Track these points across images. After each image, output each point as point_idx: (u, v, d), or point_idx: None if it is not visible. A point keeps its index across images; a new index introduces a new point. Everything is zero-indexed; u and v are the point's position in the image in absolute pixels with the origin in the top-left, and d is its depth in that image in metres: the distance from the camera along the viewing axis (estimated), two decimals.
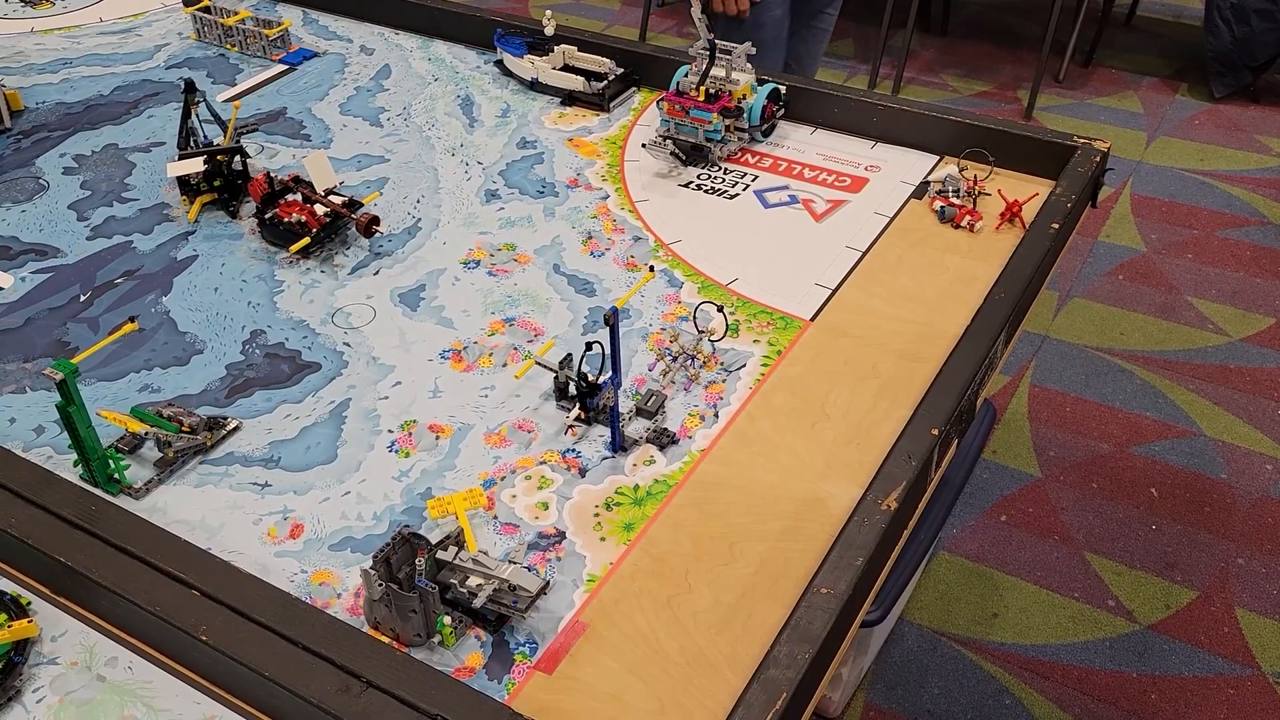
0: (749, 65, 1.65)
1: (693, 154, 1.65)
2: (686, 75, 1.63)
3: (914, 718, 1.87)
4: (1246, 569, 2.10)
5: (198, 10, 2.09)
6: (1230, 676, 1.91)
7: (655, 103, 1.70)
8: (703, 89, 1.60)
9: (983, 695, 1.90)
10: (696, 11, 1.55)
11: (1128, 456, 2.36)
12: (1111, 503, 2.25)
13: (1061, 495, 2.27)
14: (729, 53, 1.63)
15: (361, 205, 1.52)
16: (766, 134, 1.70)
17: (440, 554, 0.99)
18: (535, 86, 1.88)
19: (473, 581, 0.97)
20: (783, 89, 1.69)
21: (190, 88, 1.58)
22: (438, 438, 1.20)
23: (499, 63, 1.96)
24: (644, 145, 1.66)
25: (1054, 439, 2.40)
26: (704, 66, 1.60)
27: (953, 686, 1.91)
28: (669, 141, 1.64)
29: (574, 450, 1.18)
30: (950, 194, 1.53)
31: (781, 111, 1.72)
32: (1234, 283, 2.86)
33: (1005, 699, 1.89)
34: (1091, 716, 1.86)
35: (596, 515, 1.10)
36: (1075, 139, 1.56)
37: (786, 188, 1.61)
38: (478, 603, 0.95)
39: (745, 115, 1.64)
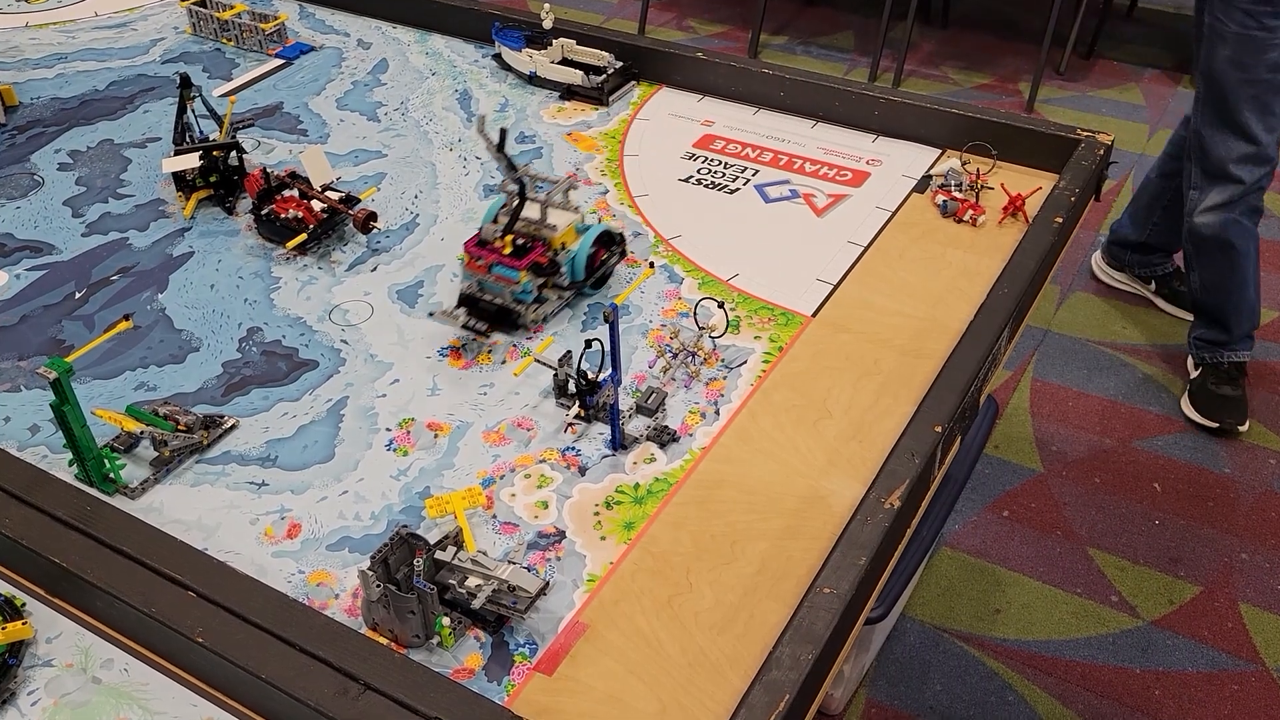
0: (573, 201, 1.37)
1: (499, 319, 1.32)
2: (495, 218, 1.34)
3: (916, 714, 1.86)
4: (1250, 564, 2.09)
5: (193, 4, 2.08)
6: (1234, 672, 1.91)
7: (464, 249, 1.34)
8: (509, 238, 1.30)
9: (985, 691, 1.89)
10: (491, 148, 1.25)
11: (1130, 451, 2.35)
12: (1114, 498, 2.24)
13: (1064, 490, 2.26)
14: (542, 185, 1.36)
15: (359, 201, 1.51)
16: (597, 286, 1.38)
17: (439, 554, 0.98)
18: (534, 80, 1.87)
19: (472, 582, 0.96)
20: (619, 231, 1.40)
21: (186, 83, 1.57)
22: (436, 436, 1.19)
23: (497, 56, 1.94)
24: (430, 315, 1.34)
25: (1056, 434, 2.39)
26: (512, 208, 1.31)
27: (955, 683, 1.91)
28: (461, 311, 1.31)
29: (574, 448, 1.17)
30: (952, 188, 1.52)
31: (619, 258, 1.40)
32: None
33: (1008, 695, 1.88)
34: (1094, 713, 1.85)
35: (597, 514, 1.09)
36: (1079, 132, 1.55)
37: (787, 182, 1.59)
38: (477, 604, 0.94)
39: (566, 270, 1.33)
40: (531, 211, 1.32)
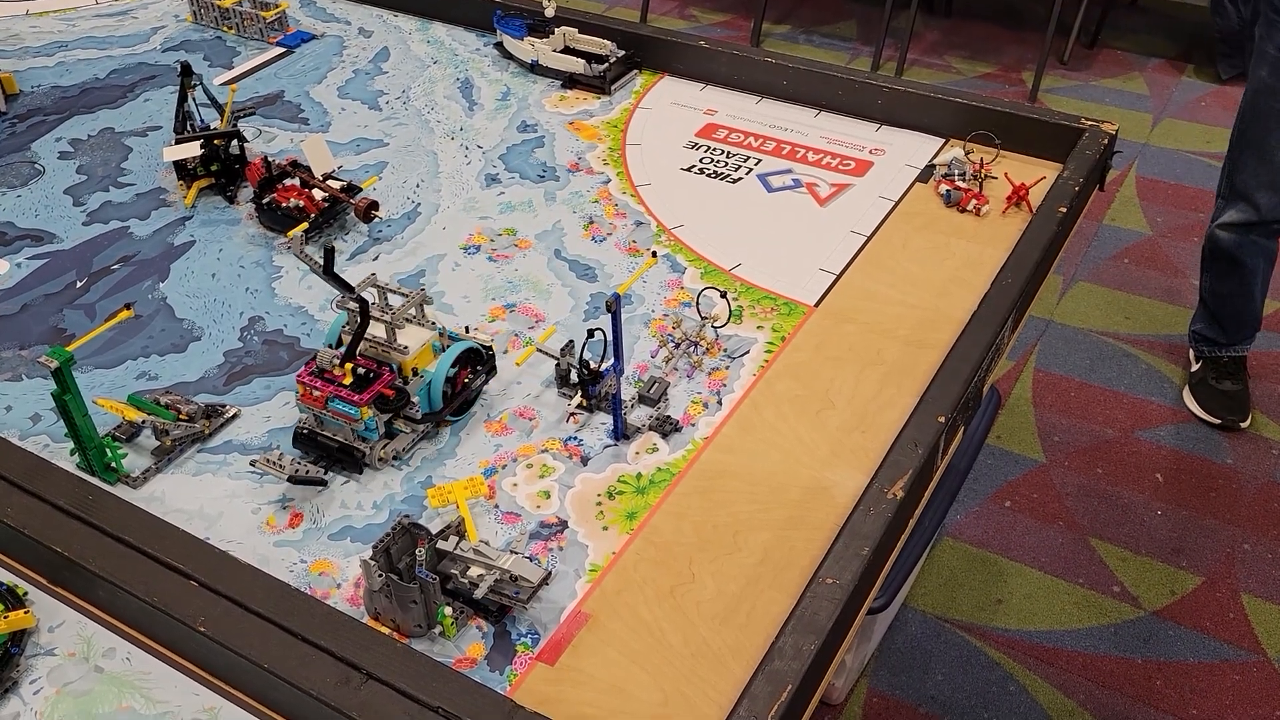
0: (429, 315, 1.19)
1: (340, 458, 1.13)
2: (338, 339, 1.15)
3: (918, 704, 1.86)
4: (1252, 554, 2.09)
5: None
6: (1236, 662, 1.91)
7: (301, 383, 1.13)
8: (349, 366, 1.10)
9: (987, 682, 1.89)
10: (317, 270, 1.07)
11: (1133, 441, 2.35)
12: (1116, 488, 2.24)
13: (1066, 481, 2.26)
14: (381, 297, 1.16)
15: (360, 190, 1.51)
16: (460, 413, 1.19)
17: (441, 544, 0.98)
18: (535, 69, 1.86)
19: (474, 572, 0.96)
20: (486, 346, 1.22)
21: (186, 71, 1.56)
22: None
23: (499, 45, 1.94)
24: (253, 463, 1.12)
25: (1058, 424, 2.39)
26: (354, 328, 1.11)
27: (956, 673, 1.91)
28: (288, 459, 1.11)
29: (576, 438, 1.16)
30: (956, 177, 1.51)
31: (488, 378, 1.22)
32: None
33: (1009, 685, 1.89)
34: (1096, 703, 1.85)
35: (599, 504, 1.09)
36: (1083, 121, 1.54)
37: (790, 171, 1.59)
38: (479, 593, 0.94)
39: (420, 400, 1.14)
40: (379, 330, 1.14)
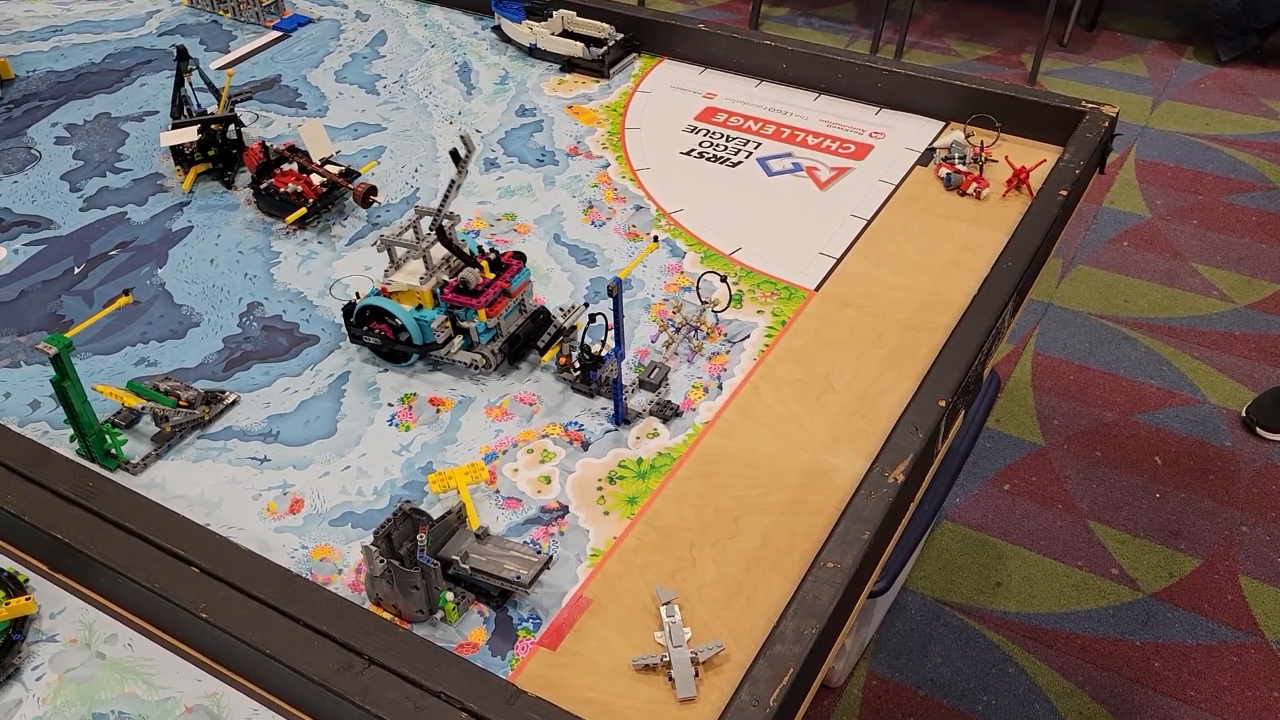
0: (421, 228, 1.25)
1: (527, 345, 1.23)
2: (409, 266, 1.22)
3: (917, 687, 1.87)
4: (1250, 536, 2.10)
5: None
6: (1233, 644, 1.91)
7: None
8: (484, 262, 1.22)
9: (986, 664, 1.90)
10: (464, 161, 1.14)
11: (1131, 424, 2.35)
12: (1115, 471, 2.24)
13: (1065, 464, 2.26)
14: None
15: (358, 175, 1.50)
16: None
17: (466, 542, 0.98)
18: (534, 53, 1.85)
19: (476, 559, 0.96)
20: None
21: (183, 55, 1.55)
22: (438, 411, 1.18)
23: (497, 28, 1.93)
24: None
25: (1057, 407, 2.39)
26: (451, 239, 1.20)
27: (956, 656, 1.91)
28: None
29: (576, 423, 1.16)
30: (956, 161, 1.51)
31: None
32: (1239, 249, 2.83)
33: (1008, 668, 1.89)
34: (1094, 685, 1.86)
35: (599, 489, 1.09)
36: (1084, 104, 1.53)
37: (790, 155, 1.58)
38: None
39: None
40: (419, 262, 1.23)
